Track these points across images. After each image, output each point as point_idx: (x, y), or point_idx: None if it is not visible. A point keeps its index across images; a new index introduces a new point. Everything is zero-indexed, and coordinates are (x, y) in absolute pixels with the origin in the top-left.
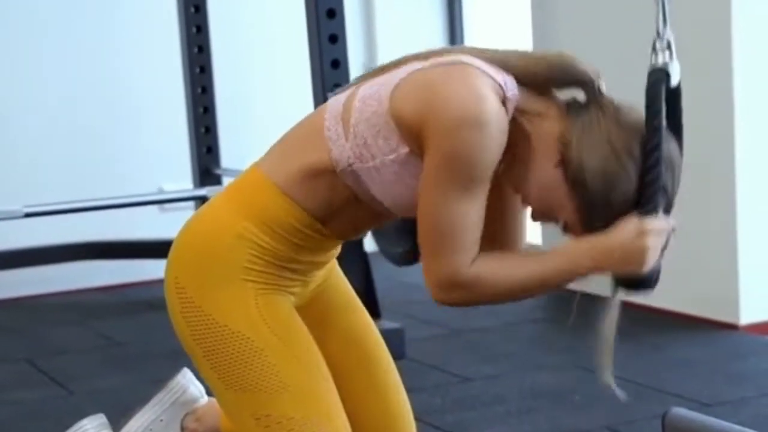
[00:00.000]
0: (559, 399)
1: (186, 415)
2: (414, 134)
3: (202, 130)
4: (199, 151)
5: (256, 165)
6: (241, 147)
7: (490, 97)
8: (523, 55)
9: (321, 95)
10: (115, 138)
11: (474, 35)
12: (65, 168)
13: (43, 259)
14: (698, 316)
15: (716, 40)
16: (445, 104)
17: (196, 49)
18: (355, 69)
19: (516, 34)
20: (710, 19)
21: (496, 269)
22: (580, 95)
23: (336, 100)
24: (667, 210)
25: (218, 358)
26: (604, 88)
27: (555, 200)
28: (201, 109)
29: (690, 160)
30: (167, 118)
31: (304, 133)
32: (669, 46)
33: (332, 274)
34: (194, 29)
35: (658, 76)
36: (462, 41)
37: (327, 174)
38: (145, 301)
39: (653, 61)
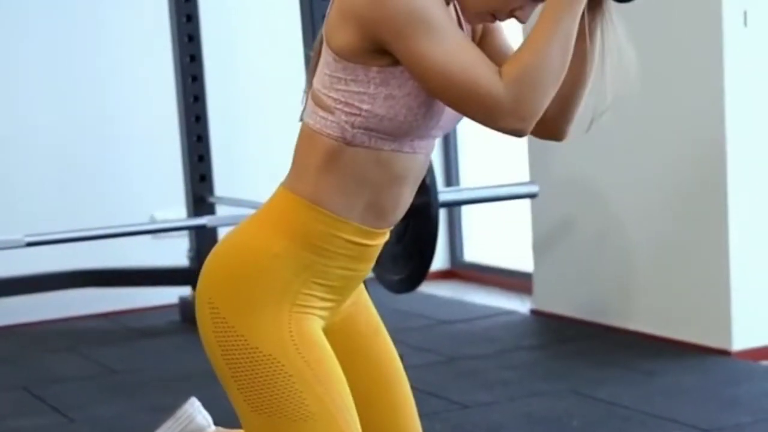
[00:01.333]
0: (557, 425)
1: None
2: (367, 49)
3: (196, 158)
4: (193, 179)
5: (282, 185)
6: (235, 175)
7: None
8: None
9: None
10: (106, 166)
11: None
12: (57, 196)
13: (37, 286)
14: (690, 342)
15: (708, 53)
16: None
17: (190, 79)
18: None
19: None
20: (701, 28)
21: (521, 61)
22: None
23: (307, 109)
24: None
25: (246, 380)
26: None
27: None
28: (195, 138)
29: (682, 190)
30: (159, 146)
31: (302, 145)
32: None
33: (360, 298)
34: (188, 58)
35: None
36: None
37: (340, 155)
38: (139, 329)
39: None
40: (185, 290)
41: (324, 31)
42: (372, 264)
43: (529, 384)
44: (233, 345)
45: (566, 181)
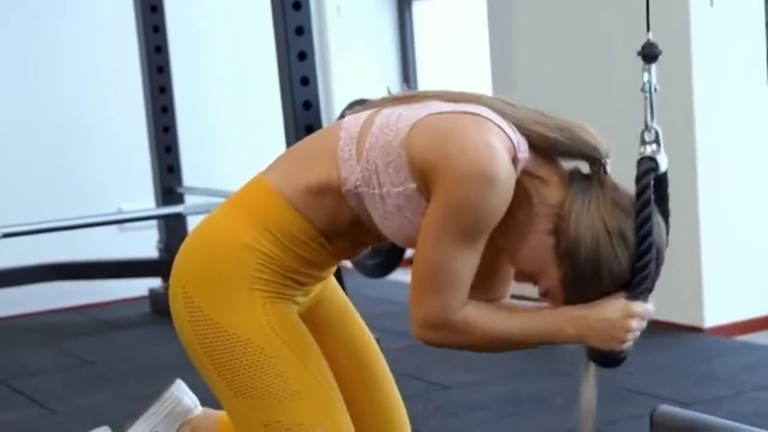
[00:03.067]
0: (541, 404)
1: (181, 425)
2: (424, 175)
3: (164, 149)
4: (161, 170)
5: (263, 176)
6: (203, 165)
7: (503, 156)
8: (538, 117)
9: (291, 112)
10: (70, 160)
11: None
12: (20, 190)
13: (5, 281)
14: (663, 321)
15: (676, 51)
16: (460, 154)
17: (156, 70)
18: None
19: (467, 39)
20: (670, 27)
21: (483, 318)
22: (583, 167)
23: (354, 119)
24: (649, 292)
25: (227, 366)
26: (609, 168)
27: (541, 265)
28: (162, 129)
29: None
30: (124, 138)
31: (316, 149)
32: (657, 138)
33: (328, 283)
34: (154, 49)
35: (648, 166)
36: (413, 55)
37: (333, 193)
38: (110, 321)
39: (642, 151)
40: (155, 282)
41: (424, 115)
42: (335, 267)
43: (508, 365)
44: (210, 333)
45: None
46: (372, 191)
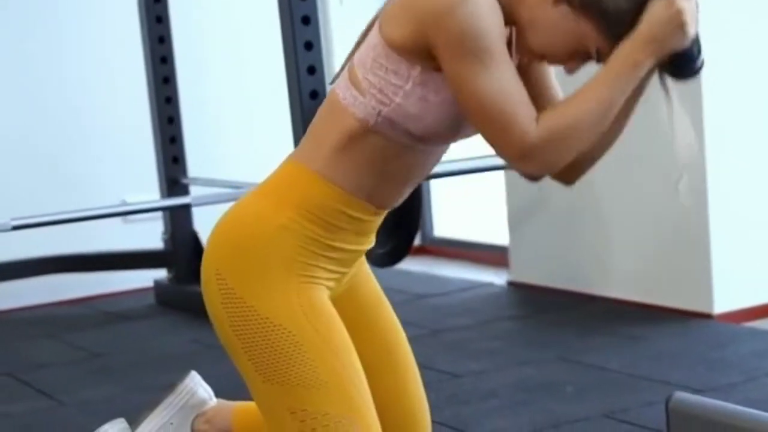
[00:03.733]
0: (551, 391)
1: (196, 417)
2: (417, 48)
3: (168, 140)
4: (166, 161)
5: (291, 157)
6: (208, 156)
7: None
8: None
9: (298, 101)
10: (74, 152)
11: None
12: (24, 182)
13: (9, 274)
14: (672, 307)
15: None
16: (430, 1)
17: (159, 60)
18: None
19: None
20: None
21: (561, 114)
22: None
23: (341, 78)
24: None
25: (258, 351)
26: None
27: (573, 36)
28: (166, 119)
29: (660, 156)
30: (127, 130)
31: (324, 114)
32: None
33: (361, 269)
34: (157, 40)
35: None
36: None
37: (361, 138)
38: (115, 313)
39: None
40: (160, 273)
41: (381, 13)
42: (373, 236)
43: (517, 352)
44: (243, 316)
45: None
46: (392, 105)
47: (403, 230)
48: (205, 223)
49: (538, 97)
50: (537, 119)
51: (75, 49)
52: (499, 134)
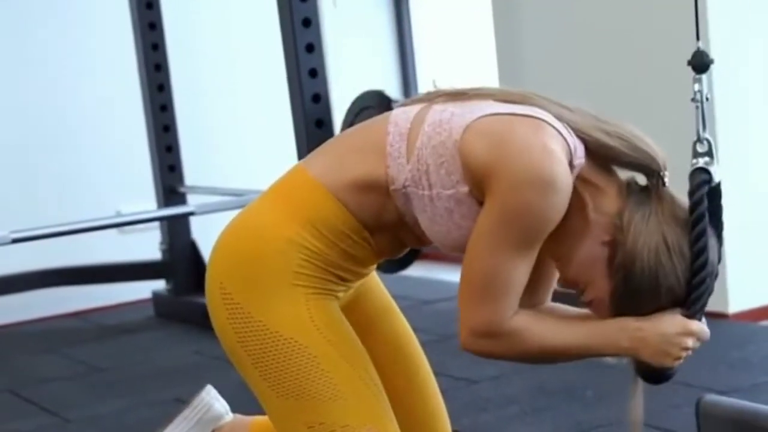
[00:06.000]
0: (571, 396)
1: None
2: (478, 178)
3: (164, 148)
4: (162, 170)
5: (305, 167)
6: (204, 164)
7: (562, 160)
8: (597, 123)
9: (300, 105)
10: (67, 163)
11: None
12: (17, 193)
13: (5, 288)
14: None
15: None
16: (518, 158)
17: (153, 68)
18: None
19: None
20: (688, 24)
21: (534, 328)
22: (640, 178)
23: (404, 114)
24: (704, 310)
25: (269, 366)
26: (667, 180)
27: (592, 275)
28: (162, 128)
29: (670, 153)
30: (121, 139)
31: (362, 142)
32: (710, 149)
33: (370, 277)
34: (151, 47)
35: (702, 178)
36: (412, 50)
37: (380, 190)
38: (114, 326)
39: (694, 161)
40: (158, 284)
41: (479, 115)
42: (373, 267)
43: None
44: (251, 331)
45: None
46: (421, 192)
47: None
48: (203, 232)
49: (538, 280)
50: (515, 314)
51: (69, 58)
52: (477, 305)
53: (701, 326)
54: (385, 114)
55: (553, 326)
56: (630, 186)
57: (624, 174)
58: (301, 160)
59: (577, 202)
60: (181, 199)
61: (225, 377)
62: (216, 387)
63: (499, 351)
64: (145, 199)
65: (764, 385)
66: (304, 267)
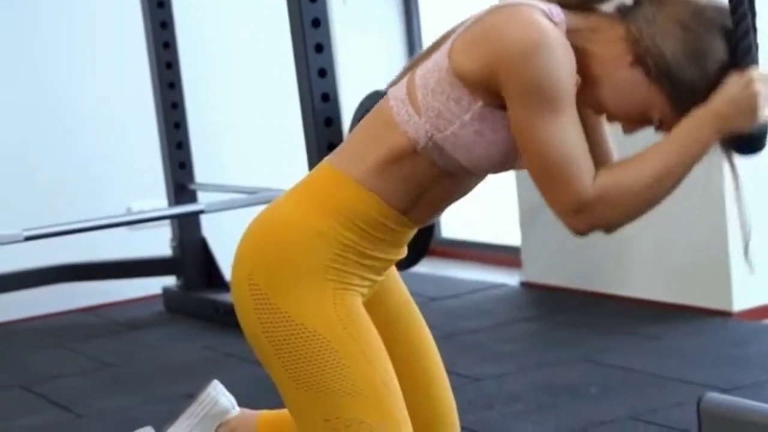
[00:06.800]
0: (576, 393)
1: (219, 426)
2: (484, 84)
3: (175, 145)
4: (173, 167)
5: (330, 163)
6: (214, 161)
7: (545, 21)
8: None
9: (309, 104)
10: (77, 160)
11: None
12: (26, 191)
13: (15, 284)
14: (691, 305)
15: None
16: (507, 43)
17: (164, 66)
18: None
19: None
20: None
21: (619, 177)
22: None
23: (396, 88)
24: (756, 60)
25: (291, 357)
26: None
27: (642, 100)
28: (172, 125)
29: None
30: (130, 136)
31: (373, 125)
32: None
33: (390, 273)
34: (162, 46)
35: None
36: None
37: (407, 157)
38: (124, 322)
39: None
40: (168, 280)
41: (454, 39)
42: (405, 248)
43: (536, 354)
44: (276, 322)
45: None
46: (446, 133)
47: (420, 233)
48: (213, 229)
49: (593, 147)
50: (595, 177)
51: (80, 55)
52: (555, 186)
53: (758, 70)
54: (384, 98)
55: (636, 164)
56: (621, 10)
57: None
58: (326, 158)
59: (582, 53)
60: (191, 196)
61: (234, 373)
62: (225, 383)
63: (606, 216)
64: (155, 196)
65: (766, 384)
66: (334, 260)
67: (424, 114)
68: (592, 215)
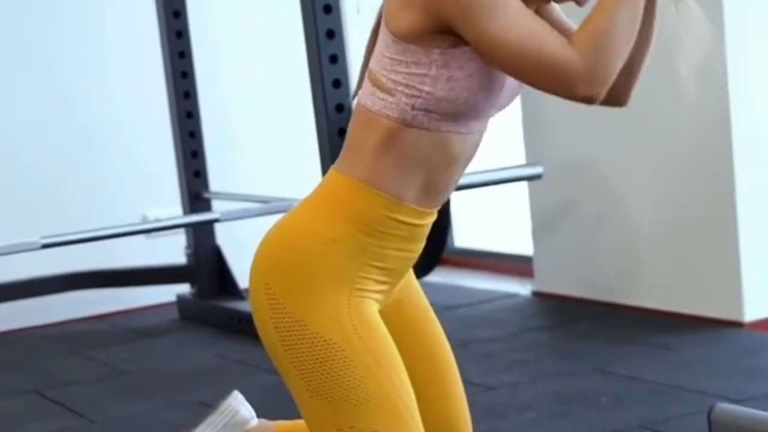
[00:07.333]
0: (588, 402)
1: None
2: (429, 31)
3: (189, 154)
4: (188, 176)
5: (336, 170)
6: (229, 170)
7: None
8: None
9: (323, 115)
10: (93, 167)
11: None
12: (42, 199)
13: (31, 291)
14: (701, 316)
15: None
16: None
17: (180, 75)
18: None
19: None
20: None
21: (592, 27)
22: None
23: (362, 90)
24: None
25: (307, 366)
26: None
27: None
28: (188, 134)
29: (688, 160)
30: (146, 145)
31: (358, 125)
32: None
33: (410, 282)
34: (177, 55)
35: None
36: None
37: (399, 135)
38: (138, 330)
39: None
40: (183, 288)
41: (383, 13)
42: (422, 244)
43: (549, 364)
44: (292, 330)
45: (564, 160)
46: (423, 96)
47: (433, 241)
48: (227, 237)
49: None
50: (571, 42)
51: (98, 66)
52: (542, 70)
53: None
54: (356, 106)
55: (598, 11)
56: None
57: None
58: (332, 166)
59: None
60: (205, 205)
61: (248, 381)
62: (239, 390)
63: (604, 62)
64: (170, 204)
65: None
66: (348, 266)
67: (395, 91)
68: (593, 71)
